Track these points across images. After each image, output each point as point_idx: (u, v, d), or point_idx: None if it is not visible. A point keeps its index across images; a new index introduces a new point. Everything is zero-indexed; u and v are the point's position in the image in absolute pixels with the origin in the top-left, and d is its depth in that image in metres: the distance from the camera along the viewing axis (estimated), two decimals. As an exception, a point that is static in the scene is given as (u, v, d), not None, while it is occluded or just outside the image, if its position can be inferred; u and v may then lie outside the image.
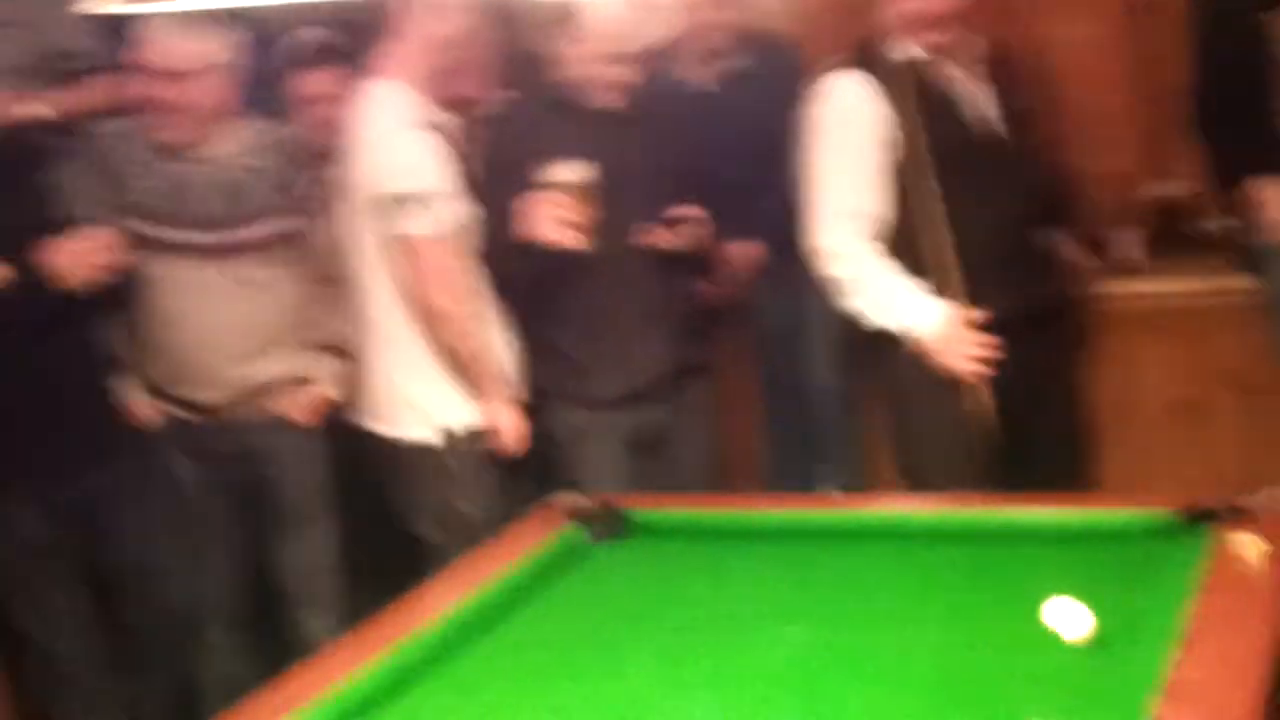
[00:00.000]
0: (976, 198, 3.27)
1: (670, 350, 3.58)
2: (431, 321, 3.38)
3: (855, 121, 3.31)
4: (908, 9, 3.30)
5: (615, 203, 3.38)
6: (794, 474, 4.07)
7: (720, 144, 3.78)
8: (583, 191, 3.33)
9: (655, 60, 3.72)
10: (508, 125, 3.57)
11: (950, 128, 3.31)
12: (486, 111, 3.68)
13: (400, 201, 3.30)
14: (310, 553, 3.64)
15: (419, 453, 3.45)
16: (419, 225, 3.31)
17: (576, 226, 3.31)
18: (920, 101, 3.29)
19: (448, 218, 3.34)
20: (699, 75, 4.00)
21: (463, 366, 3.42)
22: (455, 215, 3.37)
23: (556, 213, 3.30)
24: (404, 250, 3.34)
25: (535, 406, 3.57)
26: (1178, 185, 4.14)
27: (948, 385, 3.28)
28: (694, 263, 3.68)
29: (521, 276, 3.49)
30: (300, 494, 3.63)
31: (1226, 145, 3.71)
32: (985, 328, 3.22)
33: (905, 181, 3.29)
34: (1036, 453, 3.37)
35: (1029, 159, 3.38)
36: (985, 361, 3.22)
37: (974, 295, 3.25)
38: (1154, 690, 1.86)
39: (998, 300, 3.23)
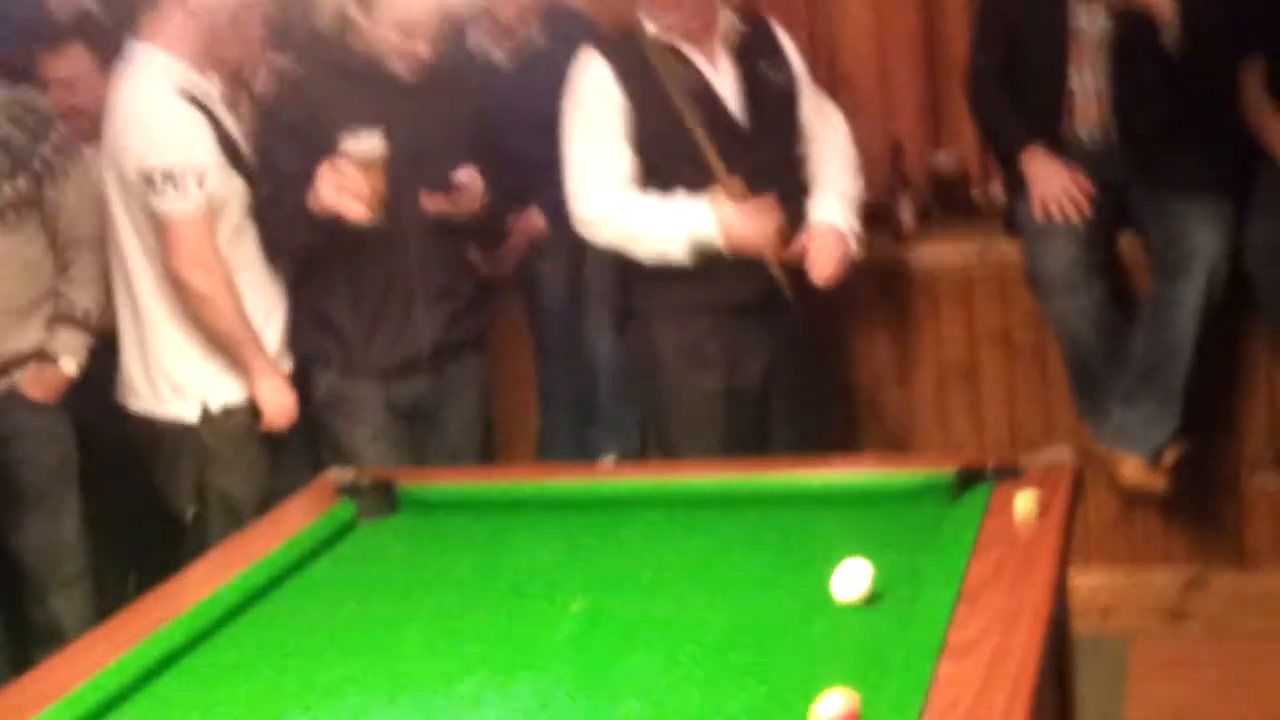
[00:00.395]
0: (705, 177, 3.31)
1: (444, 322, 3.52)
2: (187, 299, 3.31)
3: (594, 99, 3.35)
4: None
5: (403, 174, 3.32)
6: (571, 446, 4.02)
7: (511, 118, 3.75)
8: (371, 163, 3.27)
9: (451, 33, 3.65)
10: (298, 93, 3.48)
11: (677, 107, 3.32)
12: (263, 79, 3.61)
13: (154, 178, 3.22)
14: (53, 533, 3.49)
15: (178, 431, 3.37)
16: (172, 203, 3.24)
17: (363, 199, 3.24)
18: (657, 79, 3.32)
19: (204, 195, 3.26)
20: (495, 49, 3.95)
21: (221, 343, 3.35)
22: (213, 191, 3.29)
23: (344, 184, 3.23)
24: (158, 228, 3.27)
25: (305, 378, 3.50)
26: (952, 155, 4.21)
27: (693, 358, 3.37)
28: (477, 233, 3.64)
29: (305, 246, 3.42)
30: (41, 473, 3.47)
31: (1000, 118, 3.80)
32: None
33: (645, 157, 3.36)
34: (782, 424, 3.46)
35: (768, 138, 3.40)
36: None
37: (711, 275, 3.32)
38: (936, 648, 1.85)
39: (736, 281, 3.33)
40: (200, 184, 3.25)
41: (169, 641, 2.10)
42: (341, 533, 2.55)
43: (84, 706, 1.92)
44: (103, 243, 3.45)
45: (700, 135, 3.30)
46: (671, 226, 3.32)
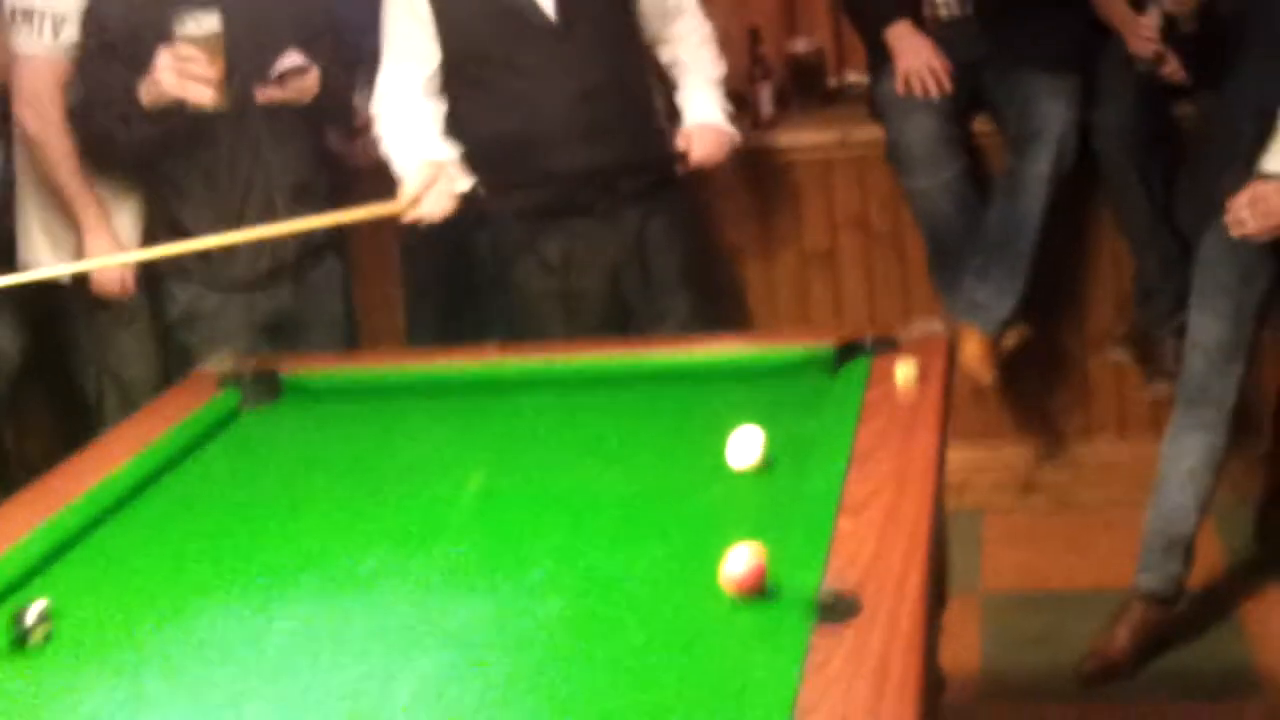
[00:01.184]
0: (527, 76, 3.33)
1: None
2: (28, 145, 3.27)
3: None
4: None
5: (244, 62, 3.23)
6: (440, 340, 4.00)
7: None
8: (212, 45, 3.14)
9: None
10: None
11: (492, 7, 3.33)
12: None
13: (15, 14, 3.21)
14: None
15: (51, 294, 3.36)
16: (23, 41, 3.23)
17: (205, 81, 3.12)
18: None
19: (58, 43, 3.21)
20: None
21: (55, 194, 3.32)
22: (69, 43, 3.23)
23: (186, 69, 3.11)
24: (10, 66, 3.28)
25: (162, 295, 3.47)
26: (809, 42, 4.26)
27: (531, 260, 3.44)
28: (329, 119, 3.56)
29: (146, 142, 3.30)
30: None
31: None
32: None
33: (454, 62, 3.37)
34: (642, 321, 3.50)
35: (583, 37, 3.37)
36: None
37: (545, 170, 3.37)
38: (833, 507, 1.92)
39: (576, 174, 3.36)
40: (56, 31, 3.19)
41: (66, 525, 2.08)
42: (227, 420, 2.53)
43: (-16, 591, 1.90)
44: None
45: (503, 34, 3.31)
46: (392, 156, 3.39)
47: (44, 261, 3.43)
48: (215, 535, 2.12)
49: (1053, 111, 3.63)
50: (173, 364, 3.50)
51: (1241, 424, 3.40)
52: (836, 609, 1.66)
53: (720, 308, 3.77)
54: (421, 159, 3.34)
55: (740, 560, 1.78)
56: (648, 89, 3.51)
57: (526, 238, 3.44)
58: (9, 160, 3.47)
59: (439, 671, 1.70)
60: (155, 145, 3.30)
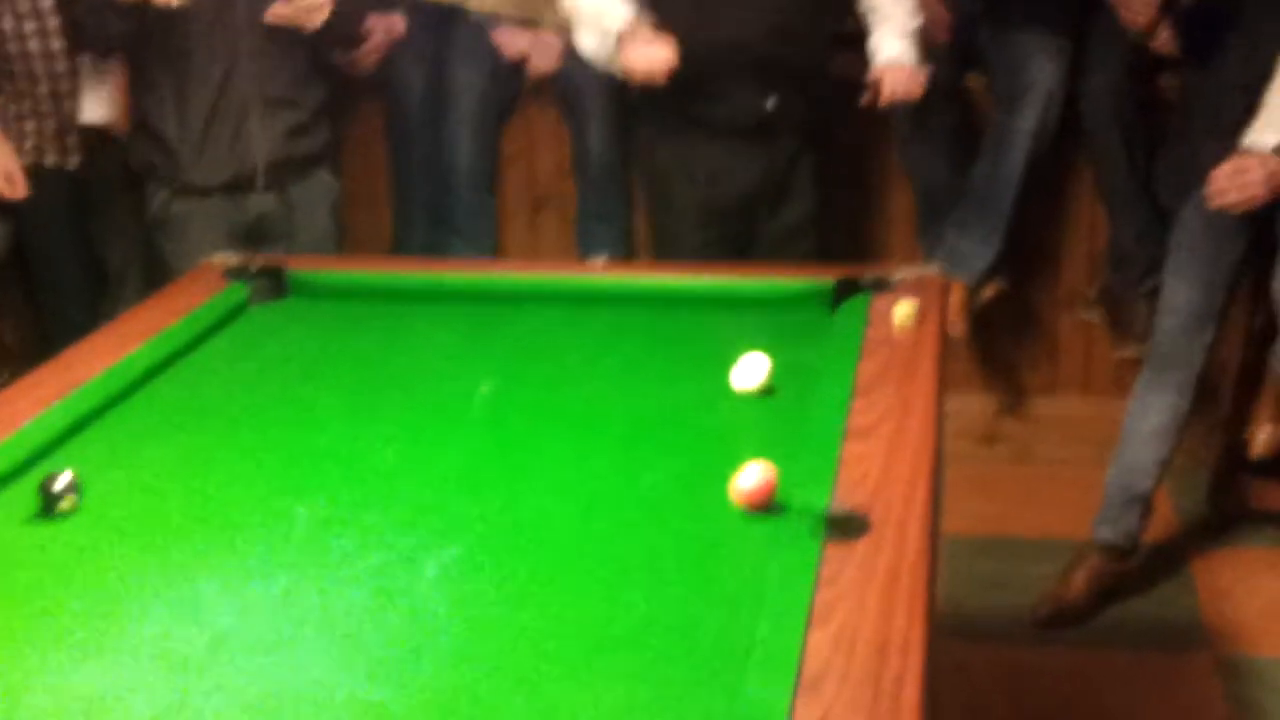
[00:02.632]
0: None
1: (282, 135, 3.43)
2: None
3: None
4: None
5: None
6: (428, 253, 4.04)
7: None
8: None
9: None
10: None
11: None
12: None
13: None
14: None
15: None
16: None
17: None
18: None
19: None
20: None
21: None
22: None
23: None
24: None
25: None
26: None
27: (680, 172, 3.39)
28: (332, 37, 3.54)
29: (116, 35, 3.32)
30: None
31: None
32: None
33: None
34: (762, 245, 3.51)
35: None
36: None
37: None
38: (839, 432, 1.99)
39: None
40: None
41: (85, 402, 2.12)
42: (235, 314, 2.56)
43: (8, 460, 1.93)
44: None
45: None
46: (595, 18, 3.30)
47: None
48: (232, 422, 2.17)
49: (1042, 70, 3.70)
50: (152, 266, 3.54)
51: (1202, 391, 3.50)
52: (847, 525, 1.73)
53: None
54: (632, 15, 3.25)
55: (752, 474, 1.84)
56: (826, 26, 3.51)
57: (681, 150, 3.43)
58: None
59: (459, 561, 1.75)
60: (125, 39, 3.32)
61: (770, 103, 3.36)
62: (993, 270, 3.86)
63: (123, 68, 3.56)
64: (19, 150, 3.46)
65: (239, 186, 3.42)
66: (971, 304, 3.89)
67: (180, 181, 3.41)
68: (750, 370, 2.22)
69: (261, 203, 3.46)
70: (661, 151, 3.49)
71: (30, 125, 3.50)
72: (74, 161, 3.57)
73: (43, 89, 3.48)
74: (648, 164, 3.60)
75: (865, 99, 3.44)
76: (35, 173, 3.48)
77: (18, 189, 3.43)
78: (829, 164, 3.66)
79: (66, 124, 3.54)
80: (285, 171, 3.46)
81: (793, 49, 3.38)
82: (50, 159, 3.54)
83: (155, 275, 3.45)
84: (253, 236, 3.43)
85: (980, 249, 3.82)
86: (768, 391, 2.22)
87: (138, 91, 3.47)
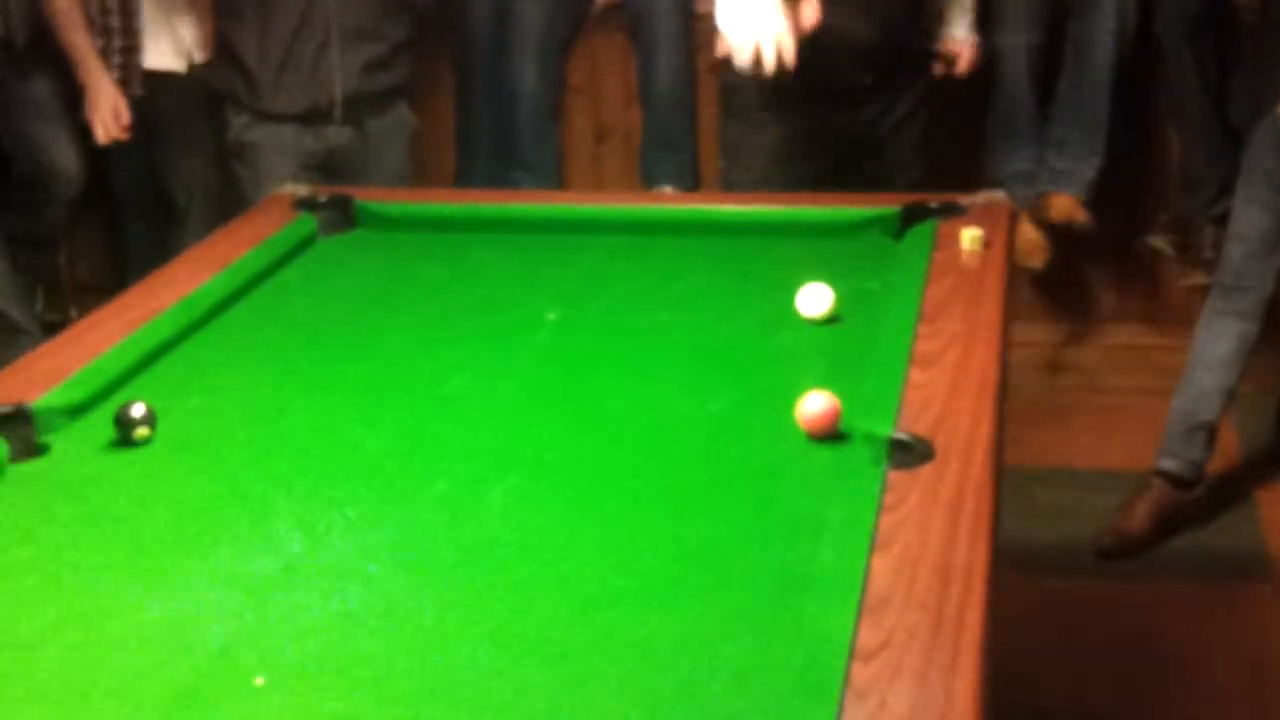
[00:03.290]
0: None
1: (361, 69, 3.44)
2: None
3: None
4: None
5: None
6: (489, 187, 4.05)
7: None
8: None
9: None
10: None
11: None
12: None
13: None
14: None
15: None
16: None
17: None
18: None
19: None
20: None
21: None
22: None
23: None
24: None
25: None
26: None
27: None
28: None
29: None
30: None
31: None
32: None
33: None
34: None
35: None
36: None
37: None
38: (904, 359, 1.99)
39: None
40: None
41: (158, 333, 2.16)
42: (304, 245, 2.59)
43: (85, 389, 1.97)
44: None
45: None
46: None
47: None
48: (302, 351, 2.20)
49: None
50: (226, 193, 3.58)
51: (1270, 319, 3.47)
52: (912, 452, 1.73)
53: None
54: None
55: (817, 400, 1.85)
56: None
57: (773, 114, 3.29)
58: None
59: (525, 488, 1.78)
60: None
61: (869, 79, 3.30)
62: (1102, 176, 3.83)
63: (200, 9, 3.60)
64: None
65: (316, 117, 3.45)
66: (1063, 226, 3.86)
67: (258, 108, 3.44)
68: (815, 297, 2.22)
69: (338, 135, 3.48)
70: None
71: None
72: (137, 90, 3.62)
73: (97, 18, 3.53)
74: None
75: (938, 69, 3.50)
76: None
77: (123, 126, 3.49)
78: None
79: (130, 55, 3.59)
80: (363, 105, 3.48)
81: (891, 37, 3.30)
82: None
83: (229, 202, 3.50)
84: (327, 169, 3.47)
85: (1082, 163, 3.80)
86: (833, 319, 2.22)
87: (223, 17, 3.50)
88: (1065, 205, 3.82)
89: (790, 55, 2.56)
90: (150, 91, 3.66)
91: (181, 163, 3.77)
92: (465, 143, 4.10)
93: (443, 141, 4.13)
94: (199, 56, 3.66)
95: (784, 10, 2.47)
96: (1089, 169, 3.81)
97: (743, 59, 2.45)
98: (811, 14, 2.51)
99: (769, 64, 2.45)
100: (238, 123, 3.49)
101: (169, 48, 3.64)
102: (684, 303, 2.36)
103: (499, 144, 4.01)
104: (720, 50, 2.47)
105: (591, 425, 1.95)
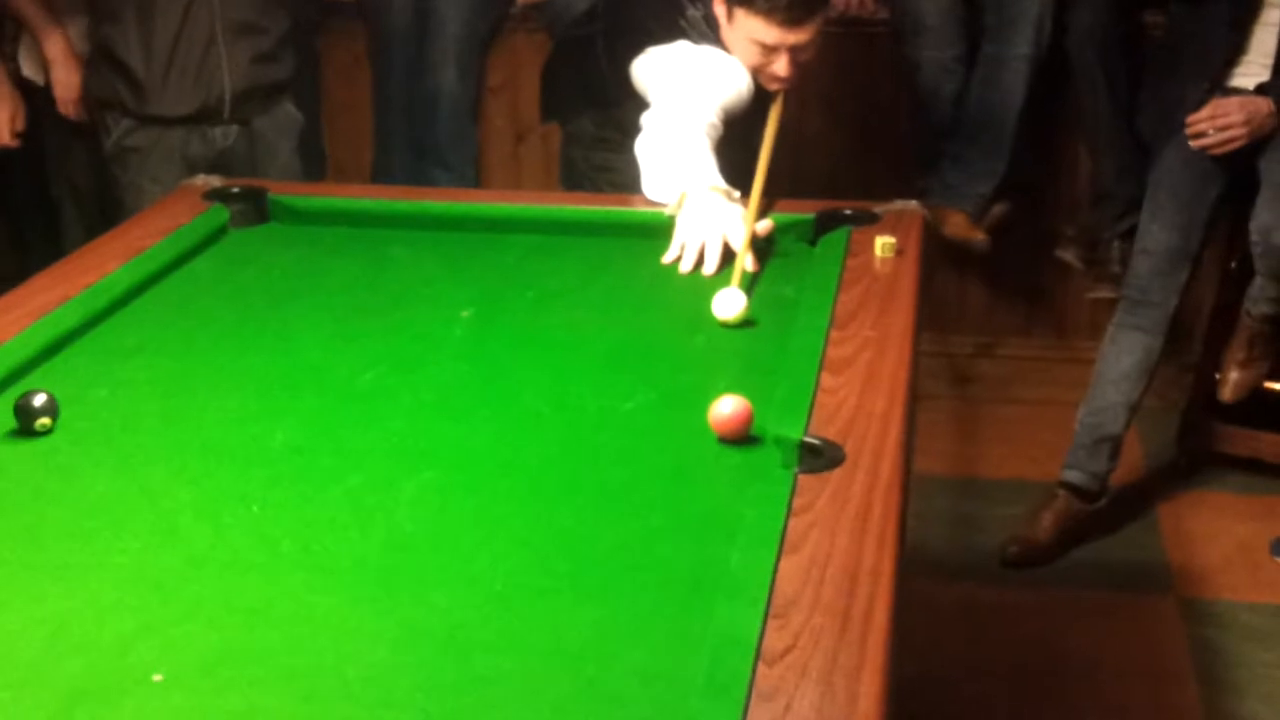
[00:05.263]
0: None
1: (247, 64, 3.36)
2: None
3: (728, 69, 2.86)
4: None
5: None
6: (406, 181, 4.02)
7: None
8: None
9: None
10: None
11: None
12: None
13: None
14: None
15: None
16: None
17: None
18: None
19: None
20: None
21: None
22: None
23: None
24: None
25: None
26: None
27: None
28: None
29: None
30: None
31: None
32: None
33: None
34: None
35: None
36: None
37: None
38: (815, 363, 2.00)
39: None
40: None
41: (64, 321, 2.12)
42: (215, 236, 2.56)
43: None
44: None
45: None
46: (666, 172, 2.68)
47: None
48: (212, 343, 2.17)
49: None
50: (106, 199, 3.49)
51: (1174, 334, 3.53)
52: (822, 456, 1.74)
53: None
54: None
55: (729, 404, 1.86)
56: None
57: None
58: None
59: (436, 484, 1.77)
60: None
61: None
62: (996, 196, 3.88)
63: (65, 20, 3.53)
64: None
65: (205, 117, 3.36)
66: (986, 220, 3.90)
67: (144, 112, 3.34)
68: (728, 301, 2.23)
69: (225, 136, 3.39)
70: None
71: None
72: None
73: None
74: None
75: None
76: None
77: (14, 132, 3.47)
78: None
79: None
80: (251, 102, 3.40)
81: None
82: None
83: (108, 210, 3.41)
84: (215, 171, 3.35)
85: (977, 180, 3.84)
86: (747, 323, 2.23)
87: (100, 22, 3.40)
88: (960, 223, 3.85)
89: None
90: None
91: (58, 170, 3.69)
92: (382, 138, 4.06)
93: (359, 140, 4.10)
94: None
95: (746, 221, 2.48)
96: (983, 187, 3.86)
97: (686, 266, 2.46)
98: (766, 226, 2.53)
99: (711, 269, 2.46)
100: (118, 129, 3.38)
101: (33, 59, 3.58)
102: (600, 303, 2.35)
103: (417, 141, 3.98)
104: (669, 254, 2.49)
105: (505, 423, 1.94)
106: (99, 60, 3.39)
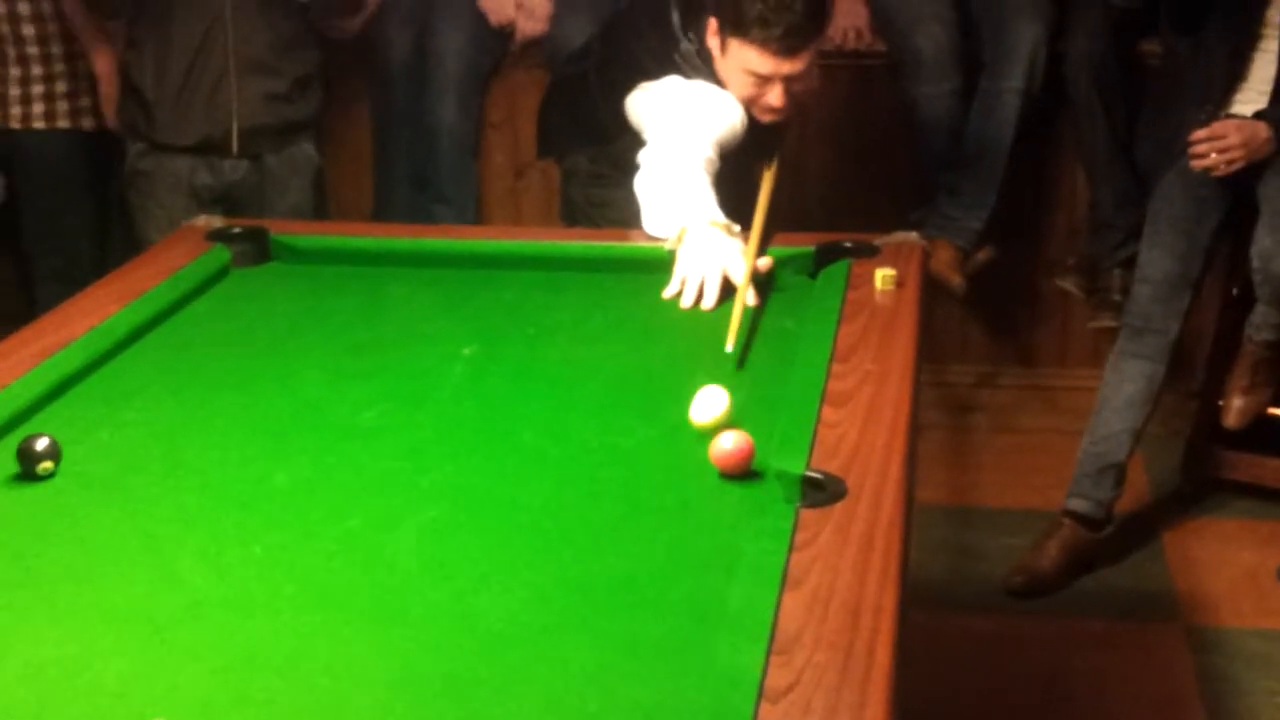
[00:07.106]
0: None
1: (259, 103, 3.41)
2: None
3: (724, 106, 2.88)
4: None
5: None
6: (407, 219, 4.04)
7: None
8: None
9: None
10: None
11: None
12: None
13: None
14: None
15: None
16: None
17: None
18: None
19: None
20: None
21: None
22: None
23: None
24: None
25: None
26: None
27: None
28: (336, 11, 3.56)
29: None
30: None
31: None
32: None
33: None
34: None
35: None
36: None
37: None
38: (817, 397, 2.00)
39: None
40: None
41: (66, 365, 2.12)
42: (217, 277, 2.56)
43: (-11, 421, 1.94)
44: None
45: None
46: (666, 208, 2.67)
47: None
48: (214, 383, 2.17)
49: (1027, 30, 3.75)
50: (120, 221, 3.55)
51: (1177, 361, 3.53)
52: (824, 490, 1.74)
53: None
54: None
55: (730, 438, 1.86)
56: None
57: None
58: None
59: (437, 523, 1.77)
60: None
61: None
62: (988, 233, 3.89)
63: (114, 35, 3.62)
64: (25, 115, 3.56)
65: (212, 149, 3.40)
66: (965, 267, 3.91)
67: (153, 138, 3.41)
68: (709, 403, 2.04)
69: (234, 169, 3.43)
70: None
71: (38, 89, 3.53)
72: (88, 124, 3.61)
73: (33, 50, 3.51)
74: None
75: None
76: (47, 135, 3.57)
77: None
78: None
79: (76, 86, 3.60)
80: (262, 139, 3.43)
81: None
82: (62, 122, 3.57)
83: (124, 233, 3.47)
84: (226, 203, 3.41)
85: (973, 212, 3.86)
86: (746, 359, 2.23)
87: (126, 46, 3.48)
88: (945, 260, 3.85)
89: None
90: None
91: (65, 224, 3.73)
92: (383, 176, 4.09)
93: (360, 174, 4.11)
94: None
95: (747, 256, 2.49)
96: (976, 220, 3.87)
97: (687, 301, 2.46)
98: (766, 263, 2.54)
99: (711, 304, 2.46)
100: (133, 152, 3.46)
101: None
102: (600, 338, 2.36)
103: (417, 177, 4.00)
104: (670, 289, 2.50)
105: (506, 460, 1.94)
106: (124, 88, 3.47)
